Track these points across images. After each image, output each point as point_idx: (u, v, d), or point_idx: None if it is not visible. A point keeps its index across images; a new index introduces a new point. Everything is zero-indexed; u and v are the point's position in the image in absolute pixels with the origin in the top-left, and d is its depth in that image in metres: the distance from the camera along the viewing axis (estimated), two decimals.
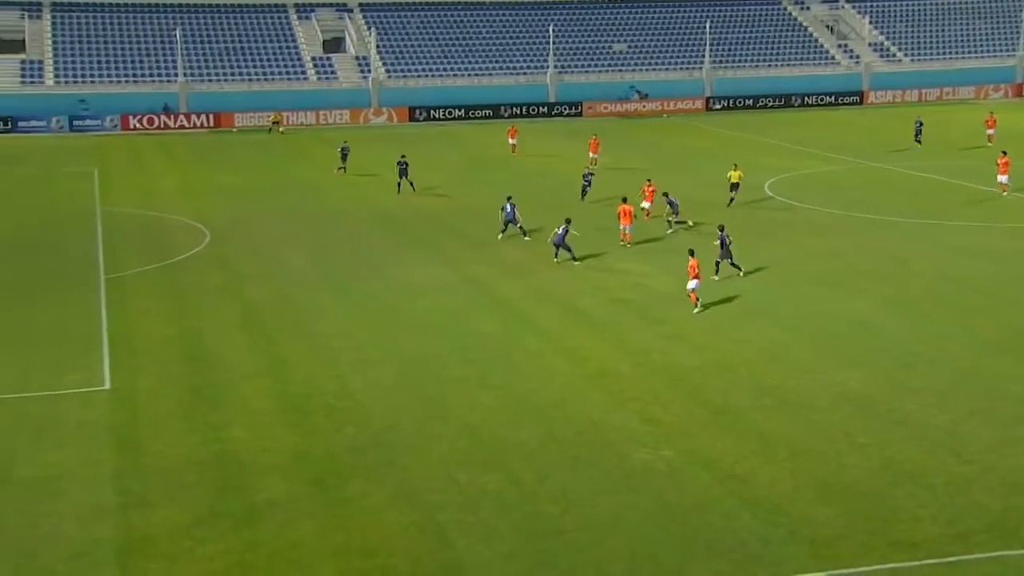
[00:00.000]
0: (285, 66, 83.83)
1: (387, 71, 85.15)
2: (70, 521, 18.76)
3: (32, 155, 64.54)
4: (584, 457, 21.28)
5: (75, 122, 75.16)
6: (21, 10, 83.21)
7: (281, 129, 75.22)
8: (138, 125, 76.03)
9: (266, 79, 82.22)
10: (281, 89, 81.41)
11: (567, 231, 36.46)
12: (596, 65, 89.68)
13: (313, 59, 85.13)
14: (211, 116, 77.37)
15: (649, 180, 43.84)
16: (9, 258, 38.40)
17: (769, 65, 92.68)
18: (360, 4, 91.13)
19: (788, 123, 77.99)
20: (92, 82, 78.81)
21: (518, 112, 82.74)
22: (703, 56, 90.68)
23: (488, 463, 21.02)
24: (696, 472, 20.54)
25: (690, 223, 41.55)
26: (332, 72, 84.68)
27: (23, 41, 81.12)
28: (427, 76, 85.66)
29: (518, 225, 39.99)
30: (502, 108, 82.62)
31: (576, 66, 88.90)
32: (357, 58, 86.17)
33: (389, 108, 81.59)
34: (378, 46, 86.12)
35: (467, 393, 24.84)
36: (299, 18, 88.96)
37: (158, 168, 59.65)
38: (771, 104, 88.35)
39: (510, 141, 63.92)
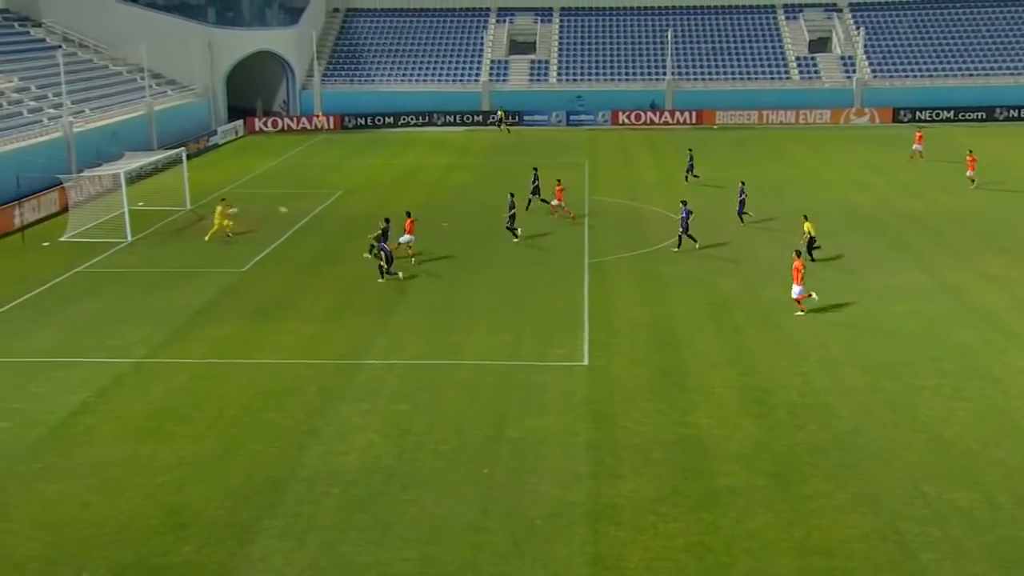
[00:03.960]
0: (768, 65, 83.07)
1: (873, 71, 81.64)
2: (548, 482, 19.94)
3: (534, 146, 69.22)
4: None
5: (571, 117, 79.63)
6: (535, 15, 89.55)
7: (504, 126, 76.35)
8: (626, 120, 78.96)
9: (749, 78, 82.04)
10: (763, 88, 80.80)
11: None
12: None
13: (797, 59, 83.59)
14: (694, 113, 78.59)
15: (559, 180, 45.08)
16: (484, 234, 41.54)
17: None
18: (850, 3, 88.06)
19: None
20: (588, 80, 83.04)
21: (1015, 115, 75.91)
22: None
23: (959, 478, 19.55)
24: None
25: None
26: (815, 72, 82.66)
27: (534, 43, 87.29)
28: (915, 76, 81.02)
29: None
30: (996, 110, 76.22)
31: None
32: (842, 57, 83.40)
33: (872, 108, 78.19)
34: (865, 45, 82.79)
35: (939, 404, 23.26)
36: (786, 18, 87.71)
37: (642, 161, 61.59)
38: None
39: (915, 147, 58.58)
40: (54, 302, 33.29)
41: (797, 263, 30.50)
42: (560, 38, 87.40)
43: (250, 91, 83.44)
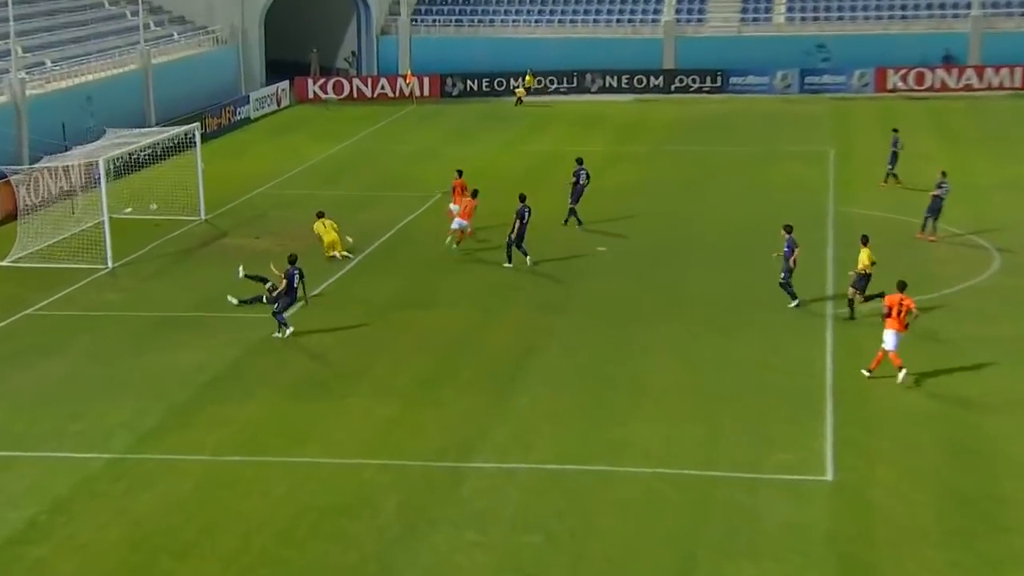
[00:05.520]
0: None
1: None
2: None
3: (744, 125, 69.06)
4: None
5: (808, 78, 79.30)
6: None
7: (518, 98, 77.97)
8: (900, 84, 78.19)
9: None
10: None
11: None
12: None
13: None
14: (1018, 71, 77.15)
15: (459, 186, 45.02)
16: (709, 267, 41.70)
17: None
18: None
19: None
20: (838, 19, 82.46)
21: None
22: None
23: None
24: None
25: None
26: None
27: None
28: None
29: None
30: None
31: None
32: None
33: None
34: None
35: None
36: None
37: (925, 150, 60.58)
38: None
39: None
40: None
41: (895, 299, 31.20)
42: None
43: (301, 38, 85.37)
